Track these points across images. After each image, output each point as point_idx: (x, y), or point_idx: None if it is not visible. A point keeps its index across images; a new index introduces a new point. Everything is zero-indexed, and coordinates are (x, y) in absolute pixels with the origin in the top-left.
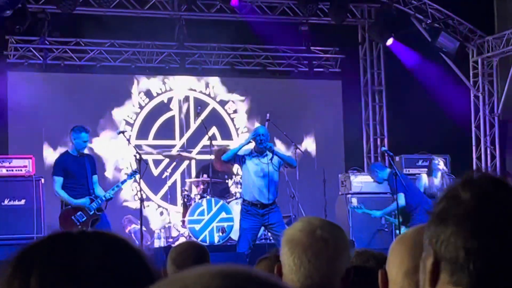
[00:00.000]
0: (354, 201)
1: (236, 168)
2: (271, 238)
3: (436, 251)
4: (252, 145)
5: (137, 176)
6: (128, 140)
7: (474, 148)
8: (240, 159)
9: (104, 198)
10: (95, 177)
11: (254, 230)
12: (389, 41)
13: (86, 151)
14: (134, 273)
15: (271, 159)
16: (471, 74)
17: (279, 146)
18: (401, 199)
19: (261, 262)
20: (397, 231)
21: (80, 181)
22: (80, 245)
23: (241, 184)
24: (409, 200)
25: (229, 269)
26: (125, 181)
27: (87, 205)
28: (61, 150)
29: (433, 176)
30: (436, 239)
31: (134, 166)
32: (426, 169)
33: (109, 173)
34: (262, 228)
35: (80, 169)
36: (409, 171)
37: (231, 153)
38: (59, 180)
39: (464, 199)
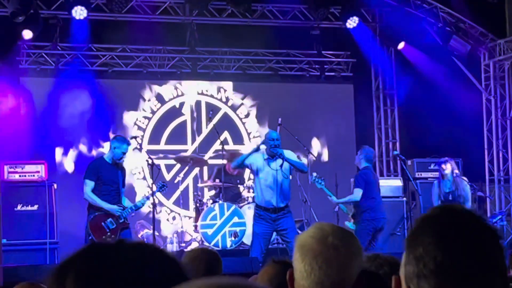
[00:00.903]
0: (315, 174)
1: (248, 172)
2: (282, 242)
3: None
4: (263, 148)
5: (150, 181)
6: (140, 145)
7: (486, 151)
8: (251, 164)
9: (134, 208)
10: (123, 190)
11: (267, 235)
12: (401, 45)
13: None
14: (171, 283)
15: (281, 165)
16: (482, 78)
17: (291, 151)
18: (358, 194)
19: (268, 266)
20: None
21: (111, 188)
22: (118, 255)
23: (253, 188)
24: (364, 199)
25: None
26: (154, 193)
27: (119, 212)
28: (73, 155)
29: (446, 180)
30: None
31: (147, 171)
32: (437, 173)
33: None
34: (274, 233)
35: (113, 177)
36: (421, 174)
37: (239, 160)
38: (90, 183)
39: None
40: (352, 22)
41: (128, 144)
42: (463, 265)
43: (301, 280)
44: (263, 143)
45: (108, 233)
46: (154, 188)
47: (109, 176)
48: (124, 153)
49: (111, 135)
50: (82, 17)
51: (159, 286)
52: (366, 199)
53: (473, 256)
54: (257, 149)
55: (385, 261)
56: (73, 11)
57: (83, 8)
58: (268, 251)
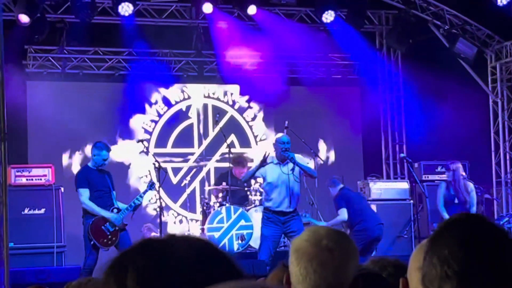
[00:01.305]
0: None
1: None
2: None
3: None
4: (272, 152)
5: (157, 185)
6: (147, 148)
7: (493, 153)
8: (262, 173)
9: (129, 208)
10: (114, 193)
11: (275, 238)
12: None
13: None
14: (224, 275)
15: (292, 169)
16: (489, 80)
17: (301, 155)
18: (343, 213)
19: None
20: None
21: (103, 192)
22: (173, 248)
23: (260, 191)
24: (351, 215)
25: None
26: (145, 192)
27: (113, 219)
28: (80, 158)
29: (451, 182)
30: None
31: (154, 174)
32: (445, 176)
33: (128, 181)
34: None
35: (101, 182)
36: (428, 177)
37: (249, 174)
38: (85, 192)
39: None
40: (328, 17)
41: (108, 150)
42: (488, 270)
43: (298, 284)
44: (273, 152)
45: (109, 236)
46: (162, 192)
47: (97, 182)
48: (105, 160)
49: (118, 139)
50: (127, 14)
51: (215, 280)
52: (353, 215)
53: (498, 263)
54: (264, 161)
55: (389, 263)
56: (120, 8)
57: (129, 4)
58: (276, 254)
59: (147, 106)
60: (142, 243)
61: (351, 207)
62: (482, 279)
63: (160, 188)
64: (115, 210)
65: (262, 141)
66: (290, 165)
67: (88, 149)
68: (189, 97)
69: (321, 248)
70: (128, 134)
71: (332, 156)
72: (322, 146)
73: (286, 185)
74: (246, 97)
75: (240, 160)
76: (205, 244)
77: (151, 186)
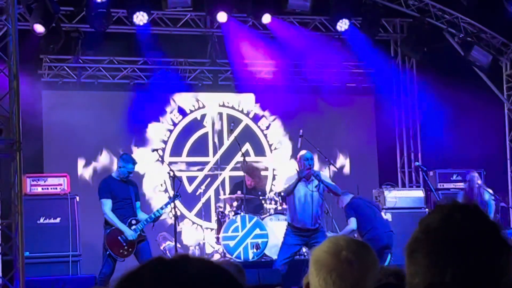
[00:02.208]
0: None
1: (269, 184)
2: (305, 254)
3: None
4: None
5: (172, 193)
6: (162, 157)
7: (509, 161)
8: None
9: (149, 220)
10: (138, 203)
11: (296, 247)
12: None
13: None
14: None
15: (316, 186)
16: (505, 88)
17: (324, 174)
18: (353, 223)
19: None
20: None
21: (125, 203)
22: (184, 270)
23: (275, 200)
24: (361, 224)
25: None
26: (166, 205)
27: (128, 235)
28: (95, 167)
29: (467, 191)
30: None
31: (169, 183)
32: (461, 184)
33: (143, 191)
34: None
35: (124, 192)
36: (443, 185)
37: (290, 189)
38: (107, 202)
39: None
40: (343, 25)
41: (134, 163)
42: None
43: None
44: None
45: (125, 247)
46: (177, 201)
47: (120, 192)
48: (130, 172)
49: (134, 148)
50: (142, 23)
51: None
52: (363, 223)
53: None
54: (303, 176)
55: (392, 272)
56: (134, 17)
57: (144, 13)
58: (295, 262)
59: (162, 115)
60: (154, 263)
61: (360, 216)
62: None
63: (176, 197)
64: (133, 221)
65: (277, 150)
66: (315, 182)
67: (102, 158)
68: (204, 106)
69: (341, 260)
70: (143, 143)
71: (347, 164)
72: (336, 154)
73: (311, 201)
74: (261, 106)
75: (248, 171)
76: (217, 268)
77: (174, 198)
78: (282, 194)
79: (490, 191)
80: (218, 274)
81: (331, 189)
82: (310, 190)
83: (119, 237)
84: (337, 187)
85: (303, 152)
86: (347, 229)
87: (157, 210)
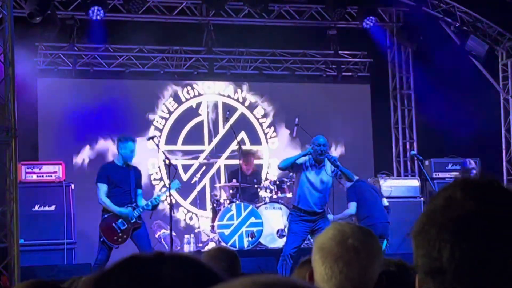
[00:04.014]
0: None
1: (264, 172)
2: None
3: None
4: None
5: (167, 182)
6: (158, 145)
7: (504, 151)
8: (299, 167)
9: (146, 207)
10: (139, 191)
11: (304, 234)
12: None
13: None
14: None
15: (333, 171)
16: (500, 77)
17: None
18: (353, 207)
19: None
20: None
21: (123, 189)
22: (161, 269)
23: (270, 189)
24: (360, 209)
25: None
26: (164, 193)
27: (130, 215)
28: (90, 155)
29: None
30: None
31: (164, 171)
32: (456, 173)
33: None
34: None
35: (124, 179)
36: (438, 174)
37: (289, 161)
38: (102, 187)
39: (459, 201)
40: (369, 22)
41: (133, 140)
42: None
43: (322, 282)
44: (310, 149)
45: (120, 234)
46: (172, 190)
47: (119, 178)
48: (132, 151)
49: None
50: (99, 18)
51: None
52: (362, 209)
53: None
54: (306, 154)
55: (391, 262)
56: (90, 12)
57: (100, 8)
58: (300, 249)
59: (157, 103)
60: (129, 262)
61: (361, 201)
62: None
63: (170, 185)
64: (130, 208)
65: (272, 138)
66: (330, 166)
67: (98, 146)
68: (199, 94)
69: (347, 248)
70: (138, 131)
71: (342, 153)
72: (332, 143)
73: (324, 186)
74: (257, 94)
75: (246, 154)
76: (196, 264)
77: (176, 186)
78: (278, 165)
79: None
80: (196, 274)
81: (346, 175)
82: (324, 174)
83: (113, 224)
84: (352, 174)
85: (316, 137)
86: (346, 213)
87: (154, 198)
